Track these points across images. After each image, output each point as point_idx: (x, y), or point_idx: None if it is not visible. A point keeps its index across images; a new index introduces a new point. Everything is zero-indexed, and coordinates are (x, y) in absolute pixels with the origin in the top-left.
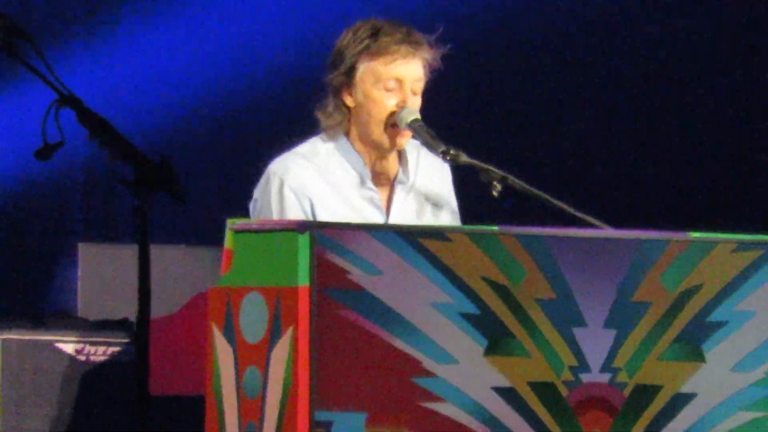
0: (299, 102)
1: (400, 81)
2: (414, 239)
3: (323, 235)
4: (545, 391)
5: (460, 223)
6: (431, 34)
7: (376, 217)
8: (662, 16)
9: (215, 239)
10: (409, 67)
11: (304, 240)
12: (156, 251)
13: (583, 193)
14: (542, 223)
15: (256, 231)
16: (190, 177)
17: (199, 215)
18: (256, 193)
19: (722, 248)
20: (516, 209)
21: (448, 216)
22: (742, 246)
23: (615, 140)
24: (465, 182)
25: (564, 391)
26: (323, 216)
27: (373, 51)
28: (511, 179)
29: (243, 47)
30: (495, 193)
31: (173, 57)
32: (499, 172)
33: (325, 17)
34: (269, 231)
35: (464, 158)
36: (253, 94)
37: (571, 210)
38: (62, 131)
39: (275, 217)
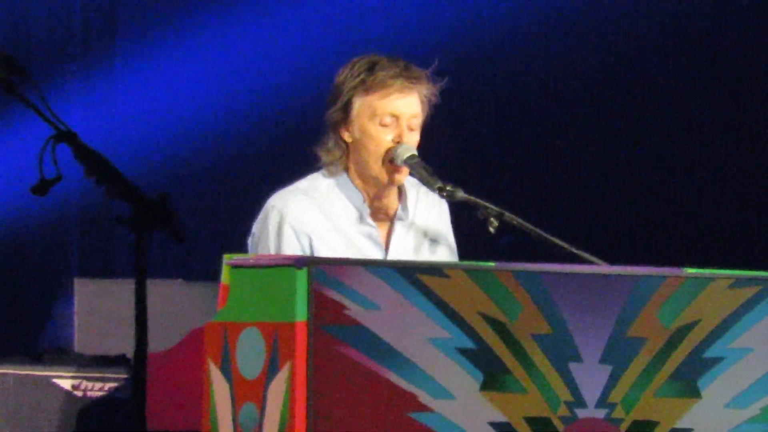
0: (297, 140)
1: (396, 116)
2: (412, 275)
3: (321, 270)
4: (541, 426)
5: (458, 259)
6: (428, 67)
7: (375, 253)
8: (656, 56)
9: (212, 274)
10: (406, 102)
11: (302, 275)
12: (153, 286)
13: (579, 230)
14: (539, 260)
15: (253, 266)
16: (187, 212)
17: (197, 250)
18: (255, 227)
19: (718, 284)
20: (512, 246)
21: (445, 252)
22: (739, 282)
23: (611, 177)
24: (462, 218)
25: (560, 427)
26: (322, 252)
27: (369, 86)
28: (508, 215)
29: (242, 83)
30: (492, 230)
31: (171, 94)
32: (496, 209)
33: (326, 54)
34: (266, 266)
35: (461, 194)
36: (252, 130)
37: (567, 246)
38: (59, 167)
39: (273, 252)
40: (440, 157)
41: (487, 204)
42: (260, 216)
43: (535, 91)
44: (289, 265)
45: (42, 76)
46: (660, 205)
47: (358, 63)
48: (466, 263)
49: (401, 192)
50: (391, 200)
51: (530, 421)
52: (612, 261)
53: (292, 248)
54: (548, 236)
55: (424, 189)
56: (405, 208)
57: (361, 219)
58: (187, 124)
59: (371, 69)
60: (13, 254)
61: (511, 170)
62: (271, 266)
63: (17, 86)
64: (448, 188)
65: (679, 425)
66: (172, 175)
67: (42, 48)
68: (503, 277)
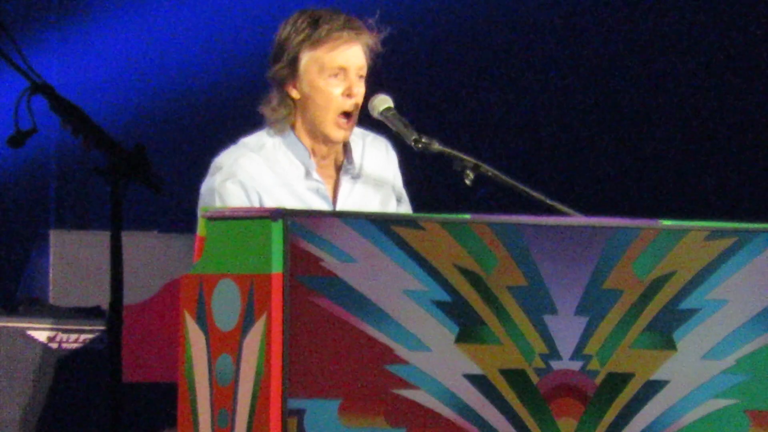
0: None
1: (344, 68)
2: (387, 227)
3: (297, 222)
4: (516, 378)
5: (411, 209)
6: (371, 18)
7: (323, 208)
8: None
9: (188, 227)
10: (353, 53)
11: (277, 227)
12: (129, 238)
13: (555, 182)
14: (515, 212)
15: (229, 218)
16: (164, 165)
17: (172, 202)
18: (203, 187)
19: (694, 236)
20: (489, 197)
21: (394, 203)
22: (715, 233)
23: (586, 129)
24: (437, 170)
25: (535, 379)
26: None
27: (315, 40)
28: (484, 167)
29: (217, 35)
30: (468, 182)
31: (147, 46)
32: (472, 160)
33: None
34: (242, 218)
35: (437, 146)
36: (229, 82)
37: (543, 198)
38: (35, 119)
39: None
40: (415, 109)
41: (463, 156)
42: (208, 175)
43: (509, 45)
44: (264, 217)
45: (18, 28)
46: (636, 157)
47: (299, 18)
48: (441, 215)
49: (345, 145)
50: (338, 154)
51: (505, 373)
52: (588, 213)
53: (239, 204)
54: (524, 188)
55: (370, 139)
56: (351, 160)
57: (308, 174)
58: (165, 76)
59: (315, 23)
60: None
61: (485, 122)
62: (246, 218)
63: None
64: (423, 140)
65: (654, 377)
66: (148, 127)
67: (16, 1)
68: (479, 229)
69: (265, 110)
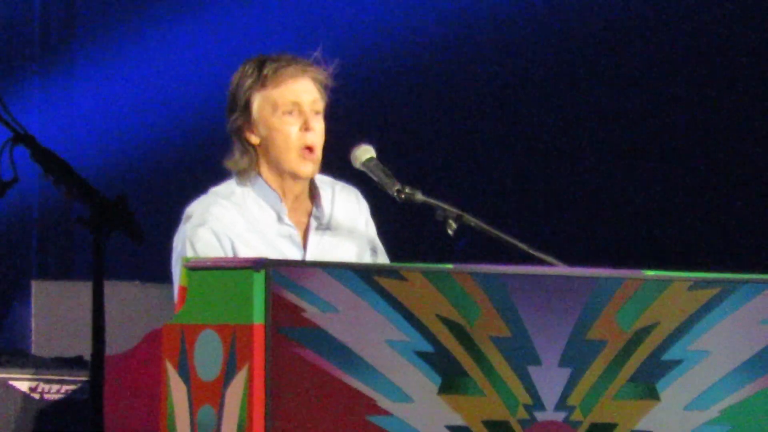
0: None
1: (297, 104)
2: (369, 277)
3: (279, 272)
4: (500, 429)
5: (384, 257)
6: (314, 53)
7: (294, 254)
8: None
9: (170, 276)
10: (302, 87)
11: (259, 278)
12: (110, 288)
13: (538, 231)
14: (497, 261)
15: (211, 268)
16: (145, 214)
17: (154, 252)
18: (176, 238)
19: (677, 286)
20: (471, 247)
21: (370, 257)
22: (698, 284)
23: (570, 178)
24: (420, 220)
25: (518, 430)
26: (244, 253)
27: (263, 80)
28: (467, 217)
29: (198, 87)
30: (450, 231)
31: (128, 96)
32: (455, 210)
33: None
34: (224, 268)
35: (419, 196)
36: (209, 133)
37: (526, 248)
38: (16, 169)
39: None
40: (398, 156)
41: (445, 206)
42: (181, 224)
43: (490, 89)
44: (246, 267)
45: (0, 77)
46: (619, 207)
47: (246, 64)
48: (423, 265)
49: (314, 192)
50: (307, 201)
51: (489, 424)
52: (571, 262)
53: (212, 252)
54: (507, 237)
55: (339, 188)
56: (319, 205)
57: (279, 219)
58: (146, 126)
59: (261, 65)
60: None
61: (469, 171)
62: (228, 268)
63: None
64: (406, 190)
65: (638, 428)
66: (129, 177)
67: (0, 49)
68: (461, 279)
69: (229, 164)
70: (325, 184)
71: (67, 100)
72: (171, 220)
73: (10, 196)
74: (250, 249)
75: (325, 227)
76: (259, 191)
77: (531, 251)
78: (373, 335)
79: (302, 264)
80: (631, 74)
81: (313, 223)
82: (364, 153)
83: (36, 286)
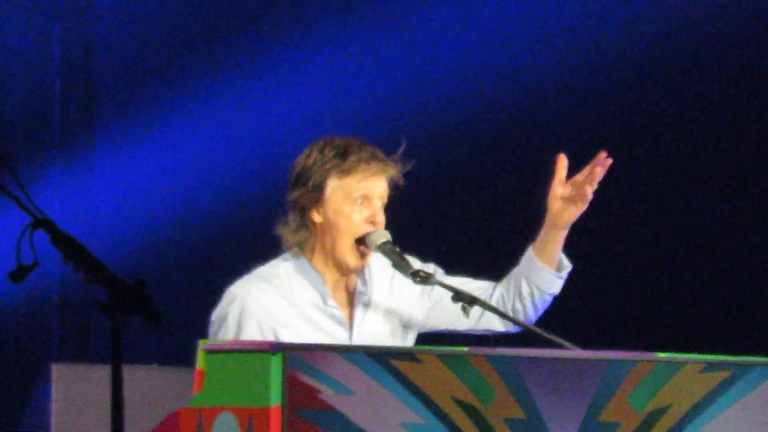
0: (268, 225)
1: (368, 197)
2: (385, 360)
3: (295, 356)
4: None
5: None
6: (396, 149)
7: (341, 334)
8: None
9: (188, 359)
10: (378, 184)
11: (276, 361)
12: (129, 371)
13: (551, 315)
14: (511, 344)
15: (228, 351)
16: (163, 298)
17: (172, 336)
18: (215, 314)
19: (690, 369)
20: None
21: (403, 333)
22: (710, 366)
23: (582, 261)
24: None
25: None
26: (288, 338)
27: (344, 169)
28: (481, 301)
29: (216, 171)
30: (466, 315)
31: (148, 180)
32: (469, 294)
33: (293, 140)
34: (241, 351)
35: (435, 280)
36: (227, 217)
37: (540, 331)
38: (36, 253)
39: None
40: (408, 233)
41: (460, 290)
42: (220, 304)
43: (502, 173)
44: (263, 351)
45: (20, 163)
46: (632, 289)
47: (326, 147)
48: (439, 348)
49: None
50: (352, 280)
51: None
52: (584, 345)
53: (253, 338)
54: (521, 321)
55: (376, 263)
56: (365, 285)
57: (324, 301)
58: (164, 211)
59: (344, 153)
60: None
61: (484, 251)
62: (245, 351)
63: None
64: (422, 273)
65: None
66: (148, 261)
67: (20, 134)
68: (477, 362)
69: (284, 232)
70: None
71: (86, 184)
72: (189, 303)
73: (31, 279)
74: (295, 335)
75: (367, 305)
76: (303, 272)
77: (544, 334)
78: (388, 418)
79: (318, 347)
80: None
81: (358, 303)
82: (379, 237)
83: (56, 370)
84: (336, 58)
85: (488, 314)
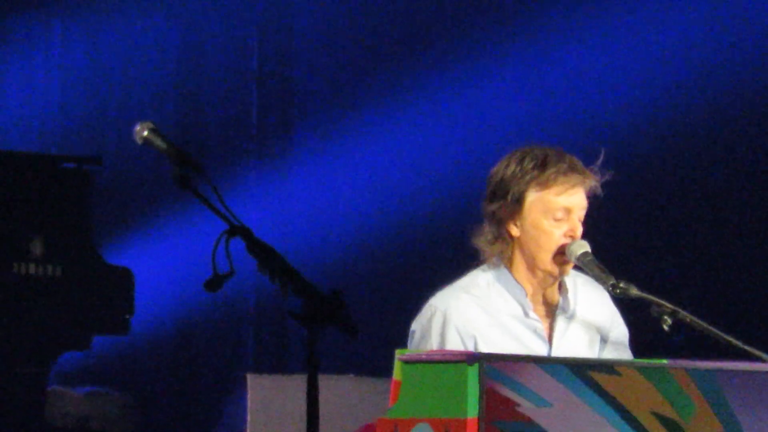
0: (465, 235)
1: (568, 210)
2: (583, 372)
3: (492, 367)
4: None
5: (627, 345)
6: (594, 160)
7: (540, 347)
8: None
9: (384, 370)
10: (578, 197)
11: (473, 372)
12: (325, 381)
13: (752, 329)
14: (708, 357)
15: (425, 362)
16: (360, 308)
17: (368, 345)
18: (415, 325)
19: None
20: (685, 342)
21: (612, 349)
22: None
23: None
24: (635, 314)
25: None
26: (487, 349)
27: (542, 181)
28: (682, 314)
29: (412, 182)
30: (665, 327)
31: (345, 189)
32: (670, 306)
33: (491, 149)
34: (438, 362)
35: (634, 291)
36: (423, 227)
37: (741, 344)
38: (232, 262)
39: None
40: (611, 251)
41: (660, 301)
42: (422, 315)
43: (703, 191)
44: (460, 361)
45: (217, 172)
46: None
47: (525, 157)
48: (638, 361)
49: (561, 284)
50: (552, 293)
51: None
52: None
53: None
54: (721, 333)
55: (581, 280)
56: (566, 299)
57: (525, 313)
58: (359, 220)
59: (543, 165)
60: (186, 349)
61: (685, 265)
62: (442, 362)
63: (192, 181)
64: (621, 285)
65: None
66: (344, 270)
67: (218, 144)
68: (677, 375)
69: (481, 243)
70: (567, 276)
71: (283, 193)
72: (385, 313)
73: (227, 289)
74: (493, 346)
75: (570, 319)
76: (504, 283)
77: (745, 347)
78: (586, 430)
79: (516, 358)
80: None
81: (559, 316)
82: (579, 248)
83: (251, 380)
84: (533, 66)
85: None
